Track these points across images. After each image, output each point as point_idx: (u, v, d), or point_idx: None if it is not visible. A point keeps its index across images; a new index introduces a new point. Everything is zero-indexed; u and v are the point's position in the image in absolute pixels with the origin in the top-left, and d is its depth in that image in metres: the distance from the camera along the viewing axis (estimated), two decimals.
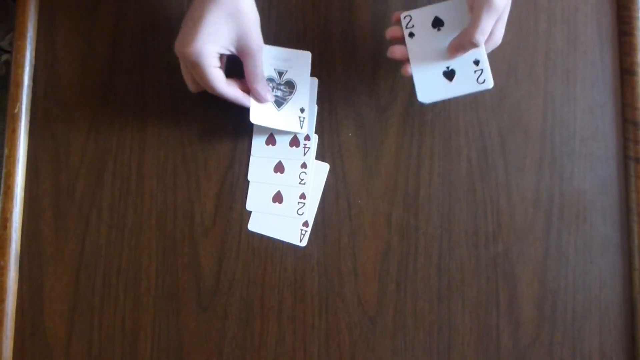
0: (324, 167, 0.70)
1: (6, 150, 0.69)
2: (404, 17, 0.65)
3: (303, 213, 0.69)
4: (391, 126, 0.71)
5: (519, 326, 0.68)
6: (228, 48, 0.63)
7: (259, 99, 0.68)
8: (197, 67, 0.62)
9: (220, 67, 0.64)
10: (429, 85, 0.64)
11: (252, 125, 0.70)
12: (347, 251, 0.69)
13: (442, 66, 0.64)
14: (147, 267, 0.69)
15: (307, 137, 0.70)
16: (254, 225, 0.69)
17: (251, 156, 0.70)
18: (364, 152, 0.70)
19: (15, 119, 0.70)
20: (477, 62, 0.64)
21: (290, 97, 0.70)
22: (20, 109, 0.70)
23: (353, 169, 0.70)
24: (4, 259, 0.68)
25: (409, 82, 0.71)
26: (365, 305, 0.68)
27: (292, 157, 0.70)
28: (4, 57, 0.93)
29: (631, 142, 0.70)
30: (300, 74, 0.70)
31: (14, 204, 0.69)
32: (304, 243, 0.69)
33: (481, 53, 0.64)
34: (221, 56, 0.64)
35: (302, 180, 0.70)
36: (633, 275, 0.69)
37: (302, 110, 0.70)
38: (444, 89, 0.64)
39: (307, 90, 0.70)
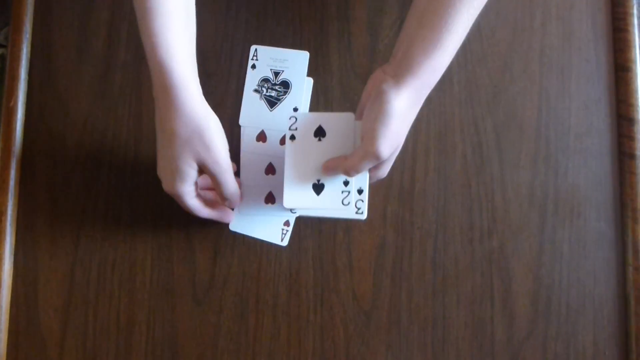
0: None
1: (1, 144, 0.69)
2: (290, 118, 0.63)
3: (296, 212, 0.69)
4: None
5: (513, 321, 0.68)
6: (193, 175, 0.61)
7: (233, 205, 0.67)
8: (179, 201, 0.62)
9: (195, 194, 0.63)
10: (297, 192, 0.63)
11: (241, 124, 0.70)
12: (342, 246, 0.69)
13: (313, 178, 0.63)
14: (142, 262, 0.69)
15: None
16: (235, 226, 0.69)
17: (241, 152, 0.70)
18: None
19: (11, 112, 0.70)
20: (359, 191, 0.63)
21: (284, 97, 0.70)
22: (16, 102, 0.70)
23: None
24: None
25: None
26: (360, 299, 0.68)
27: (282, 156, 0.70)
28: None
29: (626, 138, 0.71)
30: (297, 73, 0.71)
31: (9, 197, 0.69)
32: (285, 242, 0.69)
33: (364, 183, 0.63)
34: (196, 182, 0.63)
35: None
36: (627, 270, 0.69)
37: (295, 109, 0.70)
38: (310, 199, 0.62)
39: (301, 90, 0.70)
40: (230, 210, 0.68)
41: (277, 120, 0.70)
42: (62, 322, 0.68)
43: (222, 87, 0.71)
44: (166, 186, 0.62)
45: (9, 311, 0.68)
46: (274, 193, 0.69)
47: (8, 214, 0.68)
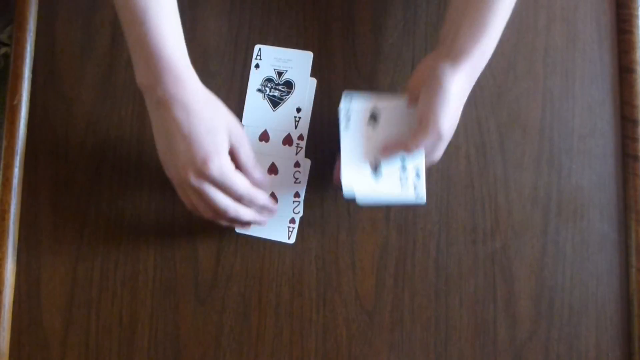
0: (307, 163, 0.70)
1: (5, 142, 0.69)
2: (342, 104, 0.64)
3: (299, 212, 0.69)
4: None
5: (516, 322, 0.68)
6: (228, 145, 0.61)
7: (259, 186, 0.64)
8: (222, 181, 0.59)
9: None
10: (355, 177, 0.63)
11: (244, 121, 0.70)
12: (346, 246, 0.69)
13: (371, 162, 0.63)
14: (145, 260, 0.69)
15: (301, 137, 0.70)
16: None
17: None
18: None
19: (15, 110, 0.70)
20: (417, 175, 0.63)
21: (287, 97, 0.70)
22: (19, 100, 0.70)
23: None
24: (1, 251, 0.68)
25: (409, 77, 0.71)
26: (362, 300, 0.68)
27: (284, 156, 0.70)
28: (3, 49, 0.93)
29: (629, 139, 0.70)
30: (300, 74, 0.71)
31: (12, 195, 0.69)
32: (292, 240, 0.69)
33: (421, 166, 0.63)
34: None
35: (296, 179, 0.70)
36: (629, 272, 0.69)
37: (298, 110, 0.70)
38: (368, 184, 0.63)
39: (305, 91, 0.70)
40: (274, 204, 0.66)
41: (280, 120, 0.70)
42: (64, 321, 0.68)
43: (226, 87, 0.71)
44: (204, 165, 0.58)
45: (11, 309, 0.68)
46: (277, 193, 0.69)
47: (11, 212, 0.68)
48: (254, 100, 0.71)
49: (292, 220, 0.69)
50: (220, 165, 0.58)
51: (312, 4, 0.72)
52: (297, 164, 0.70)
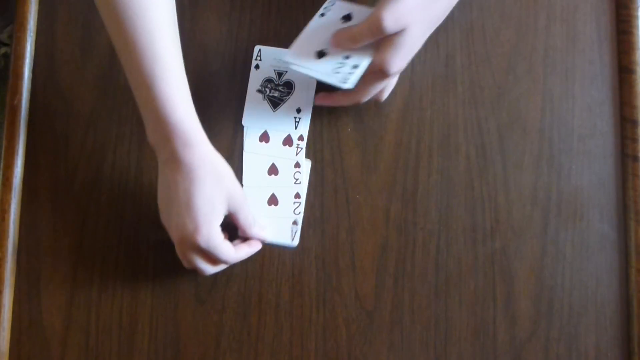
0: (307, 164, 0.70)
1: (5, 142, 0.69)
2: (327, 2, 0.65)
3: (300, 212, 0.69)
4: (390, 122, 0.71)
5: (516, 322, 0.68)
6: (224, 214, 0.62)
7: (260, 240, 0.68)
8: (209, 251, 0.61)
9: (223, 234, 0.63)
10: (301, 51, 0.63)
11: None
12: (345, 246, 0.69)
13: (321, 47, 0.63)
14: (145, 260, 0.69)
15: (301, 137, 0.70)
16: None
17: (244, 152, 0.70)
18: (362, 147, 0.70)
19: (15, 110, 0.70)
20: (354, 66, 0.62)
21: (287, 97, 0.70)
22: (20, 100, 0.70)
23: (352, 165, 0.70)
24: (1, 251, 0.68)
25: (408, 77, 0.71)
26: (362, 300, 0.68)
27: (285, 157, 0.70)
28: (2, 50, 0.93)
29: (629, 140, 0.71)
30: (300, 74, 0.70)
31: (12, 195, 0.69)
32: (295, 242, 0.69)
33: (363, 62, 0.62)
34: None
35: (297, 180, 0.70)
36: (629, 272, 0.69)
37: (298, 110, 0.70)
38: (308, 61, 0.63)
39: (305, 91, 0.70)
40: (257, 240, 0.68)
41: (280, 121, 0.70)
42: (64, 321, 0.68)
43: (226, 87, 0.71)
44: (195, 235, 0.60)
45: (11, 309, 0.68)
46: (277, 194, 0.69)
47: (12, 212, 0.68)
48: (254, 101, 0.71)
49: (295, 222, 0.69)
50: (209, 237, 0.60)
51: (312, 4, 0.72)
52: (297, 165, 0.70)
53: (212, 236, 0.60)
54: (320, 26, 0.64)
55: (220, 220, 0.62)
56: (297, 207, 0.69)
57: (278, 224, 0.69)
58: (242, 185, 0.69)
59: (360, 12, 0.64)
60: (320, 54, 0.63)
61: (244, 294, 0.68)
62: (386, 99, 0.70)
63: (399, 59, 0.60)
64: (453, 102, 0.71)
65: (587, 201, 0.70)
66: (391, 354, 0.68)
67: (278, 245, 0.69)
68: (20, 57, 0.71)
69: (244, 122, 0.70)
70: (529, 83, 0.71)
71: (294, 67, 0.63)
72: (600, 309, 0.69)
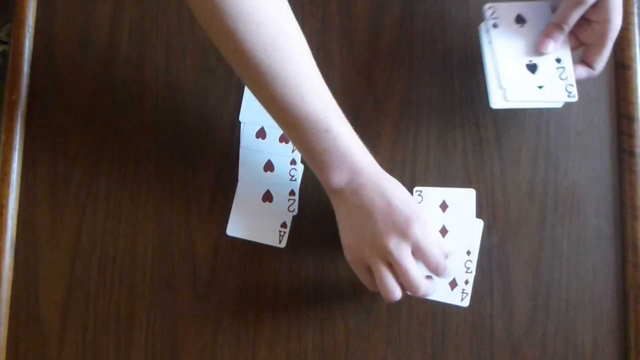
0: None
1: (3, 137, 0.69)
2: (488, 8, 0.65)
3: (294, 210, 0.69)
4: (387, 118, 0.71)
5: (513, 317, 0.68)
6: None
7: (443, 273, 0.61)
8: (417, 243, 0.58)
9: None
10: (512, 74, 0.64)
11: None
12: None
13: (526, 59, 0.64)
14: (143, 256, 0.69)
15: None
16: (232, 230, 0.69)
17: (240, 148, 0.70)
18: None
19: (13, 106, 0.70)
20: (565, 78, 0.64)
21: None
22: (18, 96, 0.70)
23: None
24: None
25: (406, 74, 0.71)
26: (360, 295, 0.68)
27: (281, 154, 0.70)
28: (1, 47, 0.93)
29: (625, 135, 0.71)
30: None
31: (10, 190, 0.69)
32: (283, 244, 0.69)
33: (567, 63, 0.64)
34: None
35: (292, 177, 0.70)
36: (626, 267, 0.69)
37: None
38: (525, 80, 0.64)
39: None
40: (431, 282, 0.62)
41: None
42: (62, 316, 0.68)
43: (224, 83, 0.71)
44: (413, 225, 0.58)
45: (9, 304, 0.68)
46: (272, 191, 0.69)
47: (9, 207, 0.69)
48: (252, 97, 0.70)
49: (284, 225, 0.69)
50: (423, 229, 0.59)
51: (309, 0, 0.73)
52: (293, 162, 0.70)
53: (426, 229, 0.59)
54: (505, 41, 0.65)
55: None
56: (292, 204, 0.69)
57: (267, 225, 0.69)
58: (237, 181, 0.69)
59: (527, 9, 0.65)
60: (532, 67, 0.64)
61: (242, 289, 0.69)
62: (386, 99, 0.70)
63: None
64: (450, 98, 0.71)
65: (583, 196, 0.70)
66: (388, 349, 0.68)
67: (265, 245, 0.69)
68: (19, 53, 0.71)
69: (241, 118, 0.70)
70: None
71: (509, 106, 0.64)
72: (597, 303, 0.69)
